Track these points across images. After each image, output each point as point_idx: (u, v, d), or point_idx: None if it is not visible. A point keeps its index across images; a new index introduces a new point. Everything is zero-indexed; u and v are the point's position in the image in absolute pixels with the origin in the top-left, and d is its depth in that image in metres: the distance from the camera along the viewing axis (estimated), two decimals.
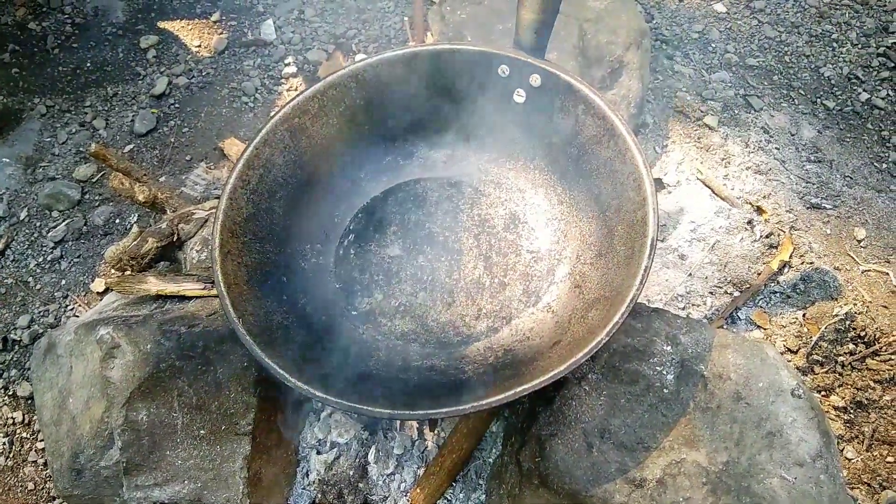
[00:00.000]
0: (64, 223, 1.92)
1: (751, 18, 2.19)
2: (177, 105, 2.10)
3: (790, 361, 1.57)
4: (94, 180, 1.98)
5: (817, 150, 1.89)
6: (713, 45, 2.13)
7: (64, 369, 1.39)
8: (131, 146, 2.03)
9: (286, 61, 2.15)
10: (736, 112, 1.97)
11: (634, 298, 1.05)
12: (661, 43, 2.11)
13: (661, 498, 1.09)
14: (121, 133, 2.06)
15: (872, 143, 1.92)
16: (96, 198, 1.96)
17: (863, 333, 1.59)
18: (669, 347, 1.23)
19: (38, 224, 1.93)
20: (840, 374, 1.56)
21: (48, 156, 2.04)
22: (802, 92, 2.03)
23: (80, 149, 2.05)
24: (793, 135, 1.92)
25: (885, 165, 1.86)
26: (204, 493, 1.29)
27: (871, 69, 2.07)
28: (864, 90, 2.03)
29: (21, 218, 1.94)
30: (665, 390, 1.18)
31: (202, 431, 1.31)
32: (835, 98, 2.02)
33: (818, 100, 2.02)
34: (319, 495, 1.44)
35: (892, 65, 2.07)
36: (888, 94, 2.01)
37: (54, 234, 1.90)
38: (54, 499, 1.57)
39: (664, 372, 1.20)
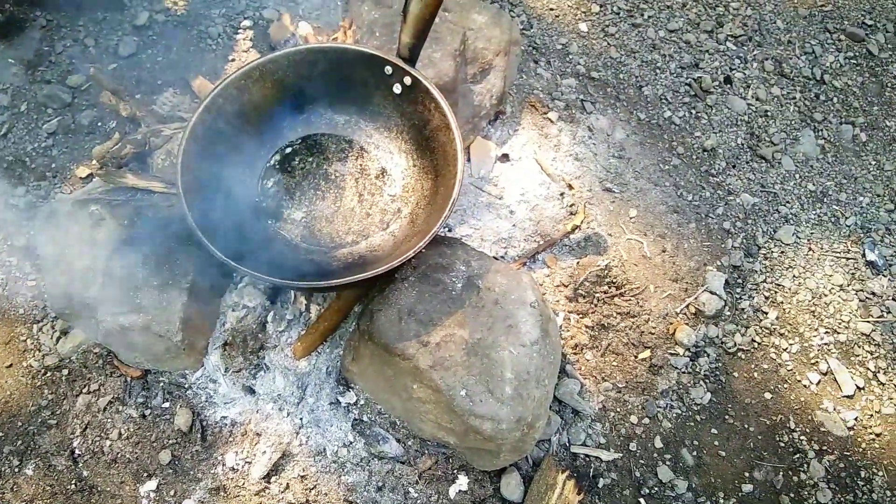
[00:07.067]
0: (56, 119, 2.43)
1: (603, 40, 2.78)
2: (154, 37, 2.60)
3: (562, 291, 2.28)
4: (82, 88, 2.49)
5: (623, 148, 2.53)
6: (570, 57, 2.71)
7: (62, 229, 1.93)
8: (114, 65, 2.53)
9: (245, 15, 2.69)
10: (573, 112, 2.57)
11: (434, 233, 1.69)
12: (532, 49, 2.71)
13: (436, 353, 1.75)
14: (107, 53, 2.56)
15: (663, 150, 2.56)
16: (84, 102, 2.46)
17: (615, 280, 2.29)
18: (464, 267, 1.90)
19: (35, 117, 2.43)
20: (594, 305, 2.25)
21: (46, 62, 2.53)
22: (625, 104, 2.64)
23: (73, 60, 2.53)
24: (608, 135, 2.55)
25: (666, 167, 2.53)
26: (152, 324, 1.83)
27: (678, 94, 2.69)
28: (669, 109, 2.65)
29: (21, 110, 2.44)
30: (454, 293, 1.84)
31: (156, 283, 1.86)
32: (647, 112, 2.64)
33: (634, 111, 2.63)
34: (230, 338, 2.00)
35: (693, 94, 2.69)
36: (684, 115, 2.63)
37: (48, 127, 2.41)
38: (40, 321, 2.13)
39: (456, 282, 1.86)
